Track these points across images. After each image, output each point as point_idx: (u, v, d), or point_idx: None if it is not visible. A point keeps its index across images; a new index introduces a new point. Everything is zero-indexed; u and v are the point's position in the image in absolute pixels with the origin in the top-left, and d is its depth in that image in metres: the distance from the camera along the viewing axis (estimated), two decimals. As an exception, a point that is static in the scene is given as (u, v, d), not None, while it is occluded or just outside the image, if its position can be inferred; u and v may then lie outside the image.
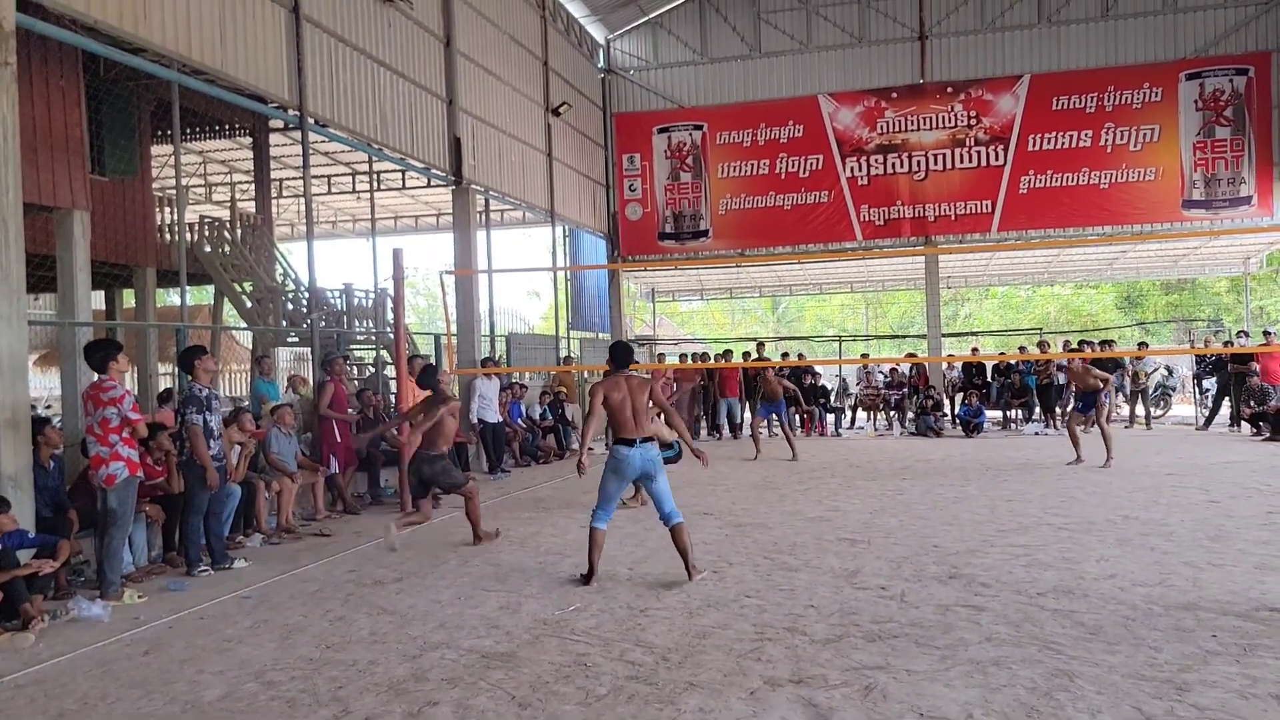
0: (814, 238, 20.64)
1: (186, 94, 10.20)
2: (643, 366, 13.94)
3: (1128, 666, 4.23)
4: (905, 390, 17.87)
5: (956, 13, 19.91)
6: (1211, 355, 16.57)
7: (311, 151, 13.03)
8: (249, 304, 13.72)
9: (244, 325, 14.78)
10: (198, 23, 9.06)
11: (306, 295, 12.50)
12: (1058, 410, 16.53)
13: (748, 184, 20.98)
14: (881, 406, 18.17)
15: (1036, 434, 16.07)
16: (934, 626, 4.91)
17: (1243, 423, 15.10)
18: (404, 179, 20.01)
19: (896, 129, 20.17)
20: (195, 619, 5.62)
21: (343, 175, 20.61)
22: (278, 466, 8.66)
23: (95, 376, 6.33)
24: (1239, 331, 20.62)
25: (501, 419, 12.82)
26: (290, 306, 13.30)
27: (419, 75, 13.43)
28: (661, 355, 21.22)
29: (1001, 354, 22.17)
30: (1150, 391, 17.55)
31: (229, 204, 17.78)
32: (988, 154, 19.78)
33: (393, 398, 11.27)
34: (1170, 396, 18.62)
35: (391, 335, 12.01)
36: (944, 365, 19.47)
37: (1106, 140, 19.26)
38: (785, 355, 23.00)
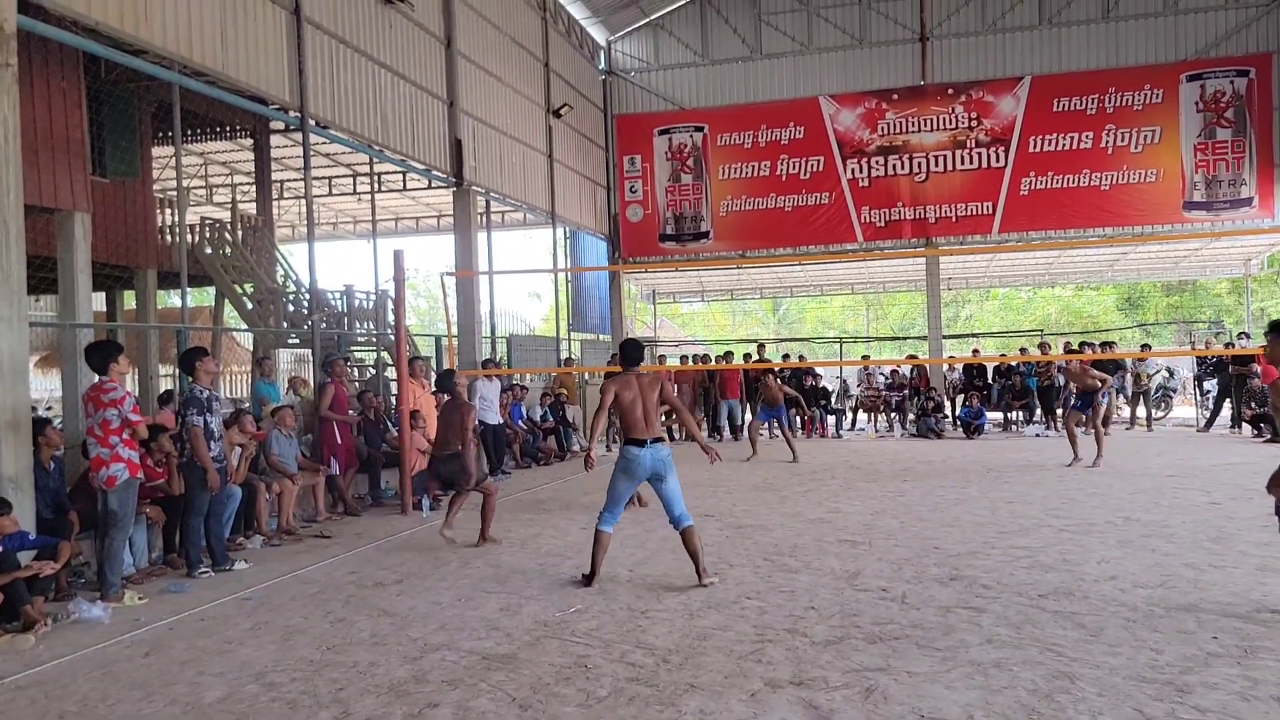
0: (815, 239, 20.66)
1: (187, 95, 10.22)
2: (643, 368, 13.91)
3: (1129, 668, 4.23)
4: (906, 392, 17.86)
5: (957, 14, 19.93)
6: (1212, 357, 16.56)
7: (312, 153, 13.02)
8: (250, 305, 13.74)
9: (245, 327, 14.79)
10: (199, 24, 9.07)
11: (307, 297, 12.51)
12: (1057, 411, 16.52)
13: (748, 185, 21.00)
14: (882, 408, 18.16)
15: (1037, 436, 16.06)
16: (935, 628, 4.91)
17: (1244, 424, 15.09)
18: (405, 180, 20.02)
19: (897, 130, 20.18)
20: (196, 620, 5.62)
21: (344, 177, 20.63)
22: (278, 468, 8.65)
23: (96, 378, 6.33)
24: (1240, 333, 20.61)
25: (502, 420, 12.81)
26: (291, 308, 13.32)
27: (420, 77, 13.44)
28: (662, 357, 21.23)
29: (1002, 355, 22.15)
30: (1151, 393, 17.53)
31: (230, 205, 17.80)
32: (988, 155, 19.79)
33: (393, 399, 11.26)
34: (1171, 398, 18.62)
35: (392, 337, 12.01)
36: (945, 367, 19.46)
37: (1107, 142, 19.27)
38: (786, 357, 23.03)
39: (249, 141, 16.11)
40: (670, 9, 21.26)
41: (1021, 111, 19.57)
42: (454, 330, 13.36)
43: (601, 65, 21.69)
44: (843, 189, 20.48)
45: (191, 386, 7.06)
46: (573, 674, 4.38)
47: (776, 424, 14.37)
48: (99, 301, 16.27)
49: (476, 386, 13.05)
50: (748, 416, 16.47)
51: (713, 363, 19.11)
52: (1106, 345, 17.02)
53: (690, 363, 18.61)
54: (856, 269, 25.65)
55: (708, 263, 22.21)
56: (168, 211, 14.49)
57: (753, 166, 20.95)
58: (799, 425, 17.58)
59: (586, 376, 17.70)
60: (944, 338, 22.52)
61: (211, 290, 15.81)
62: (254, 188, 16.70)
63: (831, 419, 17.98)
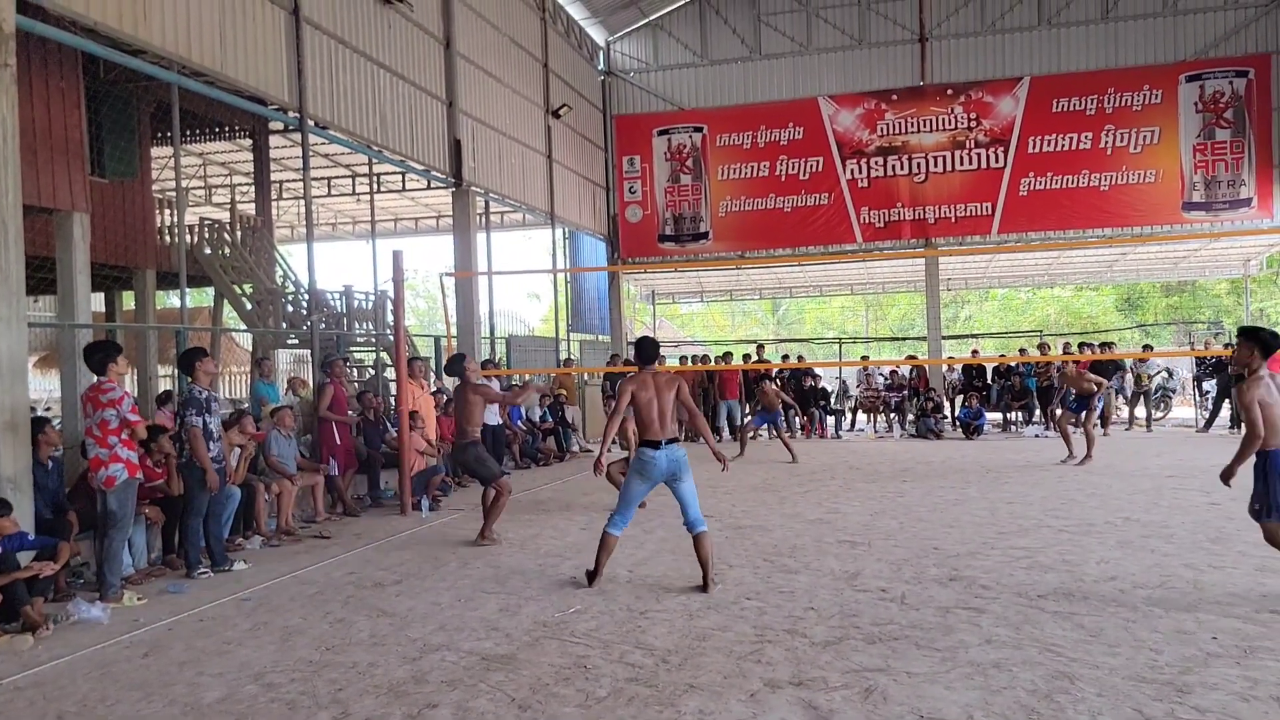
0: (814, 240, 20.66)
1: (186, 96, 10.22)
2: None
3: (1128, 669, 4.23)
4: (905, 392, 17.87)
5: (956, 15, 19.93)
6: (1212, 357, 16.56)
7: (311, 154, 13.03)
8: (249, 306, 13.73)
9: (244, 327, 14.79)
10: (198, 25, 9.06)
11: (306, 297, 12.50)
12: (1056, 411, 16.52)
13: (748, 186, 21.00)
14: (881, 409, 18.16)
15: (1037, 436, 16.06)
16: (934, 629, 4.91)
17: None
18: (404, 181, 20.02)
19: (897, 131, 20.19)
20: (195, 621, 5.62)
21: (343, 177, 20.62)
22: (277, 469, 8.65)
23: (94, 378, 6.33)
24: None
25: (502, 421, 12.79)
26: (290, 308, 13.31)
27: (419, 77, 13.44)
28: (662, 358, 21.21)
29: (1002, 356, 22.14)
30: (1151, 394, 17.54)
31: (229, 206, 17.79)
32: (988, 156, 19.80)
33: (392, 400, 11.26)
34: (1170, 399, 18.62)
35: (391, 337, 12.01)
36: (944, 367, 19.46)
37: (1106, 142, 19.28)
38: (785, 357, 23.03)
39: (248, 142, 16.10)
40: (669, 9, 21.26)
41: (1021, 112, 19.58)
42: (453, 331, 13.36)
43: (600, 66, 21.69)
44: (842, 189, 20.49)
45: (190, 387, 7.05)
46: (572, 674, 4.38)
47: (772, 428, 14.43)
48: (98, 302, 16.26)
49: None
50: (748, 417, 16.50)
51: (712, 363, 19.10)
52: (1106, 346, 17.03)
53: (689, 363, 18.60)
54: (856, 269, 25.66)
55: (707, 263, 22.21)
56: (167, 212, 14.48)
57: (752, 167, 20.95)
58: (798, 426, 17.60)
59: (585, 377, 17.69)
60: (943, 338, 22.52)
61: (210, 291, 15.81)
62: (253, 188, 16.69)
63: (831, 420, 17.99)
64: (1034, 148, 19.57)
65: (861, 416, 18.84)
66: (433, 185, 16.00)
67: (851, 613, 5.26)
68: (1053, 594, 5.54)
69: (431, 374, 13.04)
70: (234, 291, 13.95)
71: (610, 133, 21.77)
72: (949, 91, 19.92)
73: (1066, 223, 19.61)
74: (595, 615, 5.37)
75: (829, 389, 18.79)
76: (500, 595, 5.93)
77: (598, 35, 21.34)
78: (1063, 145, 19.46)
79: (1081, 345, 16.42)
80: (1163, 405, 18.25)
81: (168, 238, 14.28)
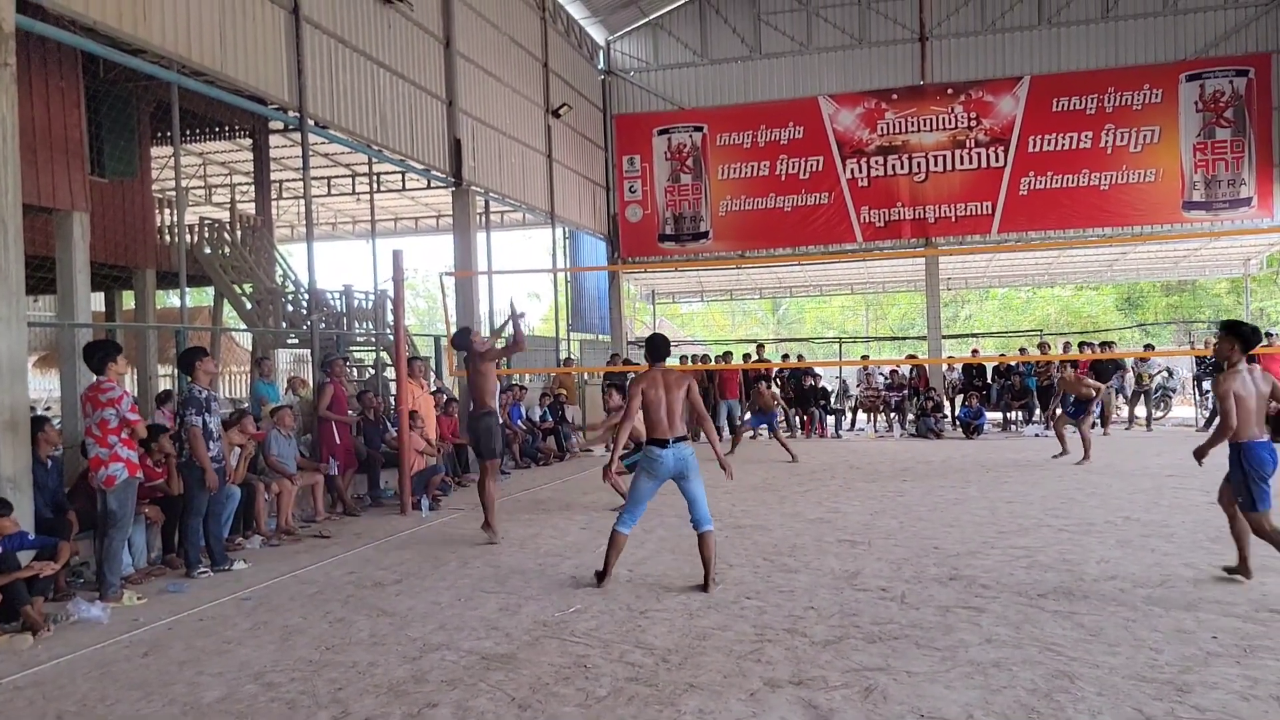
0: (814, 239, 20.66)
1: (186, 95, 10.21)
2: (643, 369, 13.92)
3: (1128, 668, 4.22)
4: (905, 392, 17.87)
5: (957, 14, 19.93)
6: (1212, 356, 16.52)
7: (311, 153, 13.04)
8: (249, 305, 13.73)
9: (244, 327, 14.79)
10: (197, 24, 9.06)
11: (306, 297, 12.50)
12: (1054, 411, 16.53)
13: (748, 185, 21.00)
14: (882, 408, 18.16)
15: (1037, 435, 16.06)
16: (934, 628, 4.90)
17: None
18: (404, 180, 20.03)
19: (897, 130, 20.19)
20: (194, 621, 5.62)
21: (343, 177, 20.62)
22: (277, 468, 8.65)
23: (94, 378, 6.33)
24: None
25: (502, 421, 12.79)
26: (290, 308, 13.31)
27: (419, 76, 13.43)
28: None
29: (1002, 355, 22.15)
30: (1151, 393, 17.53)
31: (229, 205, 17.79)
32: (988, 155, 19.80)
33: (392, 399, 11.26)
34: (1170, 398, 18.61)
35: (391, 337, 12.01)
36: (944, 367, 19.46)
37: (1107, 141, 19.28)
38: (785, 357, 23.03)
39: (248, 141, 16.10)
40: (669, 9, 21.25)
41: (1021, 111, 19.58)
42: (453, 330, 13.34)
43: (600, 65, 21.69)
44: (842, 189, 20.49)
45: (190, 386, 7.05)
46: (572, 674, 4.38)
47: (768, 429, 14.51)
48: (98, 301, 16.26)
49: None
50: (745, 416, 16.51)
51: (712, 363, 19.10)
52: (1106, 345, 17.03)
53: (689, 363, 18.59)
54: (856, 269, 25.65)
55: (707, 263, 22.20)
56: (166, 211, 14.48)
57: (752, 166, 20.95)
58: (799, 425, 17.60)
59: (585, 377, 17.69)
60: (943, 338, 22.52)
61: (210, 290, 15.81)
62: (253, 188, 16.69)
63: (831, 419, 17.99)
64: (1034, 147, 19.57)
65: (861, 416, 18.84)
66: (433, 185, 15.99)
67: (851, 612, 5.26)
68: (1053, 593, 5.54)
69: (431, 374, 13.05)
70: (234, 291, 13.95)
71: (610, 132, 21.76)
72: (949, 91, 19.91)
73: (1066, 222, 19.61)
74: (595, 615, 5.37)
75: (829, 388, 18.79)
76: (500, 595, 5.93)
77: (598, 34, 21.33)
78: (1063, 144, 19.46)
79: (1081, 345, 16.41)
80: (1163, 404, 18.24)
81: (167, 237, 14.28)
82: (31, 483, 6.29)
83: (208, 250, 14.21)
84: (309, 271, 11.67)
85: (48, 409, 14.51)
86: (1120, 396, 17.59)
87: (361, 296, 14.24)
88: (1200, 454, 5.80)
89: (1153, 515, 8.06)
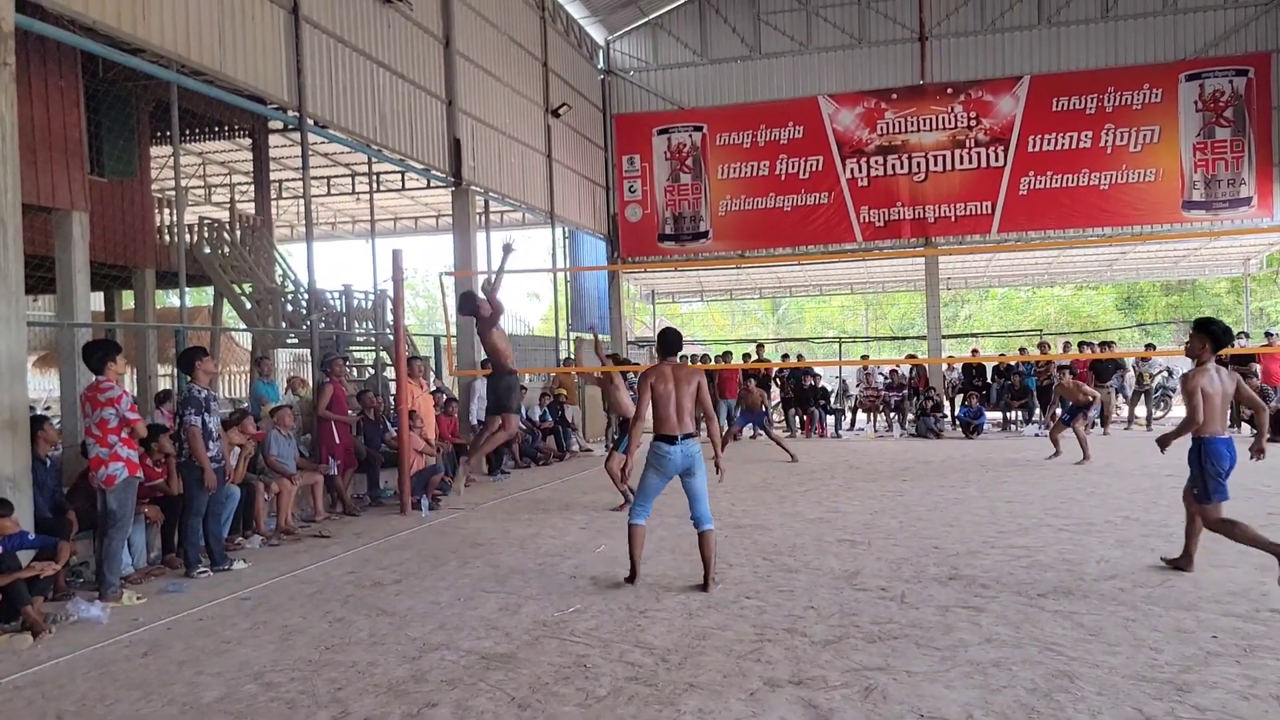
0: (814, 239, 20.65)
1: (185, 95, 10.21)
2: (642, 369, 13.94)
3: (1128, 667, 4.22)
4: (905, 392, 17.87)
5: (956, 14, 19.92)
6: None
7: (311, 153, 13.02)
8: (248, 305, 13.72)
9: (243, 327, 14.78)
10: (197, 23, 9.05)
11: (306, 296, 12.49)
12: (1056, 411, 16.56)
13: (747, 185, 20.99)
14: (881, 408, 18.16)
15: (1036, 435, 16.05)
16: (934, 628, 4.90)
17: (1242, 424, 15.08)
18: (403, 180, 20.02)
19: (896, 130, 20.18)
20: (194, 620, 5.61)
21: (342, 176, 20.61)
22: (277, 468, 8.64)
23: (93, 378, 6.33)
24: (1239, 333, 20.60)
25: (501, 420, 12.78)
26: (290, 308, 13.30)
27: (418, 76, 13.42)
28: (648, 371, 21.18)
29: (1001, 355, 22.15)
30: (1151, 392, 17.55)
31: (228, 205, 17.79)
32: (988, 155, 19.79)
33: (392, 399, 11.25)
34: (1170, 397, 18.60)
35: (391, 337, 12.00)
36: (944, 367, 19.46)
37: (1106, 141, 19.27)
38: (785, 357, 23.02)
39: (247, 141, 16.09)
40: (669, 8, 21.24)
41: (1020, 111, 19.57)
42: (453, 330, 13.35)
43: (600, 65, 21.68)
44: (842, 189, 20.48)
45: (190, 386, 7.05)
46: (572, 673, 4.37)
47: (759, 428, 14.60)
48: (97, 301, 16.26)
49: (475, 387, 13.07)
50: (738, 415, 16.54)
51: (712, 363, 19.10)
52: (1105, 345, 17.03)
53: (689, 363, 18.59)
54: (855, 269, 25.65)
55: (707, 263, 22.19)
56: (166, 211, 14.47)
57: (752, 166, 20.94)
58: (799, 425, 17.61)
59: (586, 377, 17.67)
60: (943, 337, 22.51)
61: (210, 290, 15.81)
62: (252, 187, 16.69)
63: (831, 419, 17.99)
64: (1034, 147, 19.56)
65: (861, 416, 18.84)
66: (432, 184, 15.98)
67: (851, 612, 5.26)
68: (1052, 593, 5.54)
69: (431, 373, 13.04)
70: (233, 291, 13.95)
71: (610, 132, 21.75)
72: (949, 90, 19.91)
73: (1066, 222, 19.60)
74: (595, 614, 5.37)
75: (829, 388, 18.79)
76: (500, 594, 5.93)
77: (597, 34, 21.32)
78: (1063, 144, 19.45)
79: (1081, 344, 16.42)
80: (1163, 404, 18.24)
81: (167, 237, 14.28)
82: (31, 482, 6.29)
83: (207, 250, 14.21)
84: (308, 271, 11.67)
85: (47, 409, 14.50)
86: (1120, 396, 17.58)
87: (361, 296, 14.23)
88: (1164, 442, 6.04)
89: (1152, 515, 8.06)
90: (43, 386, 19.12)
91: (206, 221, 14.75)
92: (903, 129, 20.15)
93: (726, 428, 17.08)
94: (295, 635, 5.18)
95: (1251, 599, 5.29)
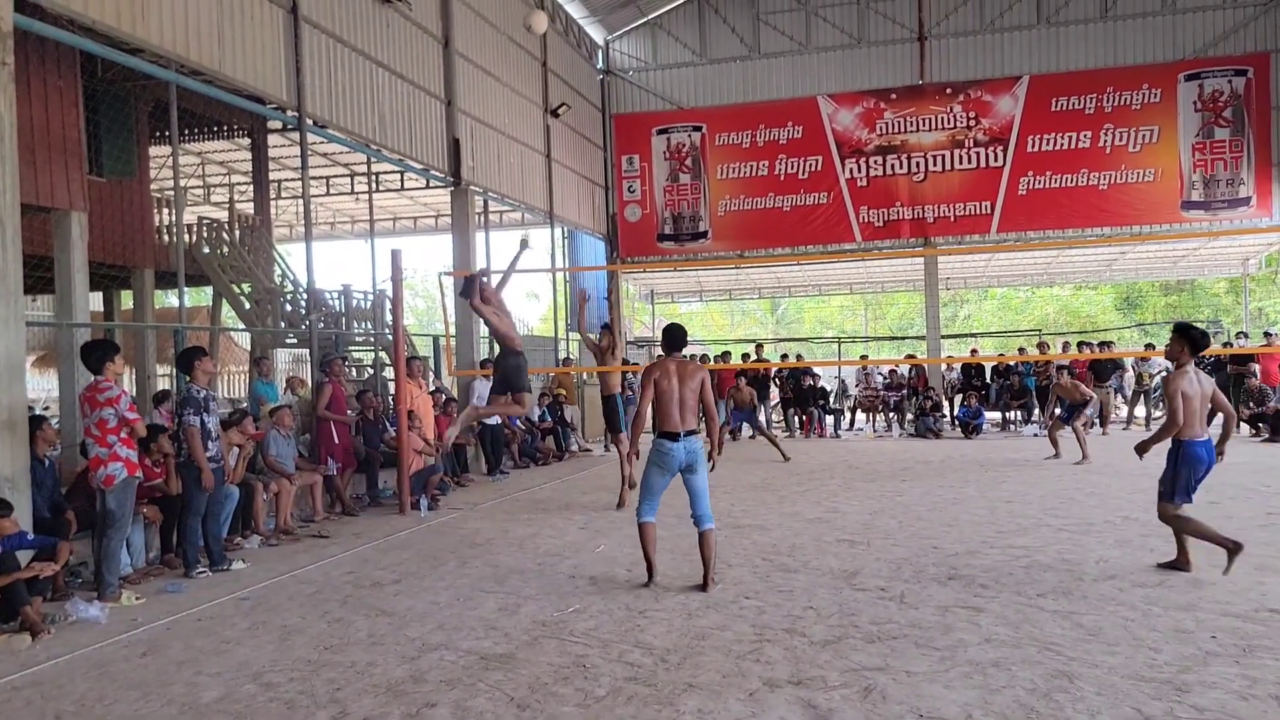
0: (813, 239, 20.64)
1: (184, 95, 10.20)
2: (642, 368, 13.95)
3: (1127, 667, 4.22)
4: (904, 392, 17.87)
5: (955, 14, 19.92)
6: (1210, 356, 16.55)
7: (310, 153, 13.03)
8: (247, 305, 13.71)
9: (242, 327, 14.77)
10: (195, 23, 9.05)
11: (305, 296, 12.49)
12: (1052, 413, 16.59)
13: (747, 185, 20.99)
14: (880, 408, 18.16)
15: (1035, 435, 16.05)
16: (933, 628, 4.90)
17: (1242, 424, 15.10)
18: (403, 180, 20.00)
19: (896, 130, 20.17)
20: (193, 620, 5.61)
21: (341, 176, 20.60)
22: (276, 468, 8.64)
23: (92, 378, 6.32)
24: (1238, 333, 20.63)
25: (500, 421, 12.80)
26: (289, 308, 13.29)
27: (417, 76, 13.42)
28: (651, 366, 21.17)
29: (1001, 355, 22.16)
30: (1151, 392, 17.55)
31: (227, 205, 17.77)
32: (987, 155, 19.79)
33: (391, 399, 11.25)
34: (1225, 403, 18.59)
35: (390, 337, 11.99)
36: (943, 366, 19.46)
37: (1106, 141, 19.27)
38: (784, 357, 23.02)
39: (246, 141, 16.07)
40: (668, 8, 21.23)
41: (1020, 111, 19.57)
42: (452, 330, 13.35)
43: (599, 65, 21.67)
44: (841, 189, 20.48)
45: (189, 386, 7.05)
46: (571, 674, 4.37)
47: (751, 426, 14.69)
48: (96, 301, 16.25)
49: (475, 387, 13.07)
50: (760, 420, 16.58)
51: (711, 363, 19.09)
52: (1105, 345, 17.03)
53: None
54: (855, 269, 25.64)
55: (706, 263, 22.19)
56: (165, 211, 14.46)
57: (751, 166, 20.93)
58: (798, 425, 17.61)
59: (585, 377, 17.68)
60: (942, 337, 22.51)
61: (209, 290, 15.79)
62: (251, 187, 16.67)
63: (830, 419, 17.99)
64: (1033, 147, 19.56)
65: (860, 416, 18.84)
66: (431, 184, 15.98)
67: (850, 612, 5.26)
68: (1052, 593, 5.54)
69: (430, 373, 13.04)
70: (232, 291, 13.93)
71: (609, 132, 21.74)
72: (948, 90, 19.90)
73: (1065, 222, 19.60)
74: (594, 614, 5.37)
75: (828, 388, 18.80)
76: (499, 594, 5.93)
77: (596, 34, 21.31)
78: (1062, 144, 19.45)
79: (1080, 344, 16.42)
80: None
81: (166, 237, 14.26)
82: (30, 482, 6.28)
83: (206, 250, 14.20)
84: (307, 271, 11.66)
85: (46, 408, 14.49)
86: (1120, 396, 17.59)
87: (360, 296, 14.22)
88: (1143, 448, 6.07)
89: (1151, 515, 7.98)
90: (41, 386, 19.11)
91: (205, 221, 14.73)
92: (902, 129, 20.14)
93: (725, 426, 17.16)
94: (294, 635, 5.18)
95: (1251, 599, 5.29)
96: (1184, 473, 5.93)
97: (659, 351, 6.95)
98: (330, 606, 5.78)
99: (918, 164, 20.09)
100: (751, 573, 6.30)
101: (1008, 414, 17.72)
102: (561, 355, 18.56)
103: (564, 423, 15.19)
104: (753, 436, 16.24)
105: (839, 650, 4.58)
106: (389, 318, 12.81)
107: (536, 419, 14.62)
